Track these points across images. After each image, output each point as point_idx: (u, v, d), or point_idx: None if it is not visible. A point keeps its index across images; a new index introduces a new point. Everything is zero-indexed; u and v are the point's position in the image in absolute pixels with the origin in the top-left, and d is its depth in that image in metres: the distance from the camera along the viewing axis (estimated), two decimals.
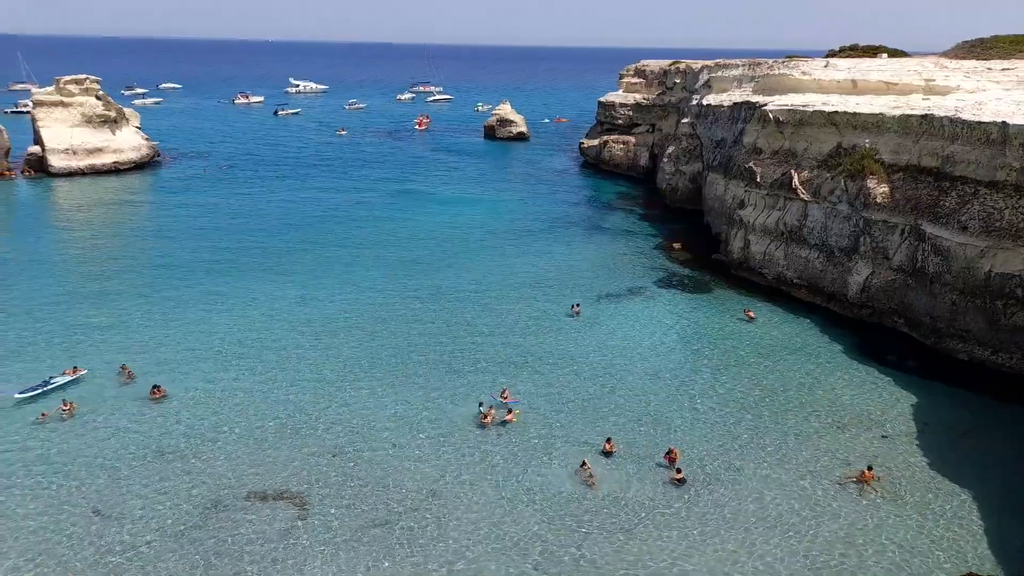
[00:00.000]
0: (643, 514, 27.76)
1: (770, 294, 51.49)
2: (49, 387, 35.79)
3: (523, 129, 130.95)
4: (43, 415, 33.18)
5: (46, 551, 25.06)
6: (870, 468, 29.91)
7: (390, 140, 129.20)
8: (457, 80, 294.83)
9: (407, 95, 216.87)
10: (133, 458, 30.63)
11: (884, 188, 44.50)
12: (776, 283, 52.09)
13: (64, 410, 33.39)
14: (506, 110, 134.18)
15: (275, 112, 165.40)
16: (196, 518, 26.89)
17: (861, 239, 45.74)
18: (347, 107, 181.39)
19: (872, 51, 75.10)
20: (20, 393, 35.01)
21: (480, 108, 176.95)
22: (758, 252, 53.39)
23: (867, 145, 46.85)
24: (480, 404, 35.07)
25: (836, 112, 49.56)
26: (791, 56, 77.42)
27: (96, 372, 38.00)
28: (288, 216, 73.31)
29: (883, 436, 33.24)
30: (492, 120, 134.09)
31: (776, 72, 60.95)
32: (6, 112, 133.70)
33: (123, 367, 38.19)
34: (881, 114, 46.83)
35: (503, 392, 36.24)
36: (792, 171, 51.17)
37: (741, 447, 32.39)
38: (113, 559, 24.69)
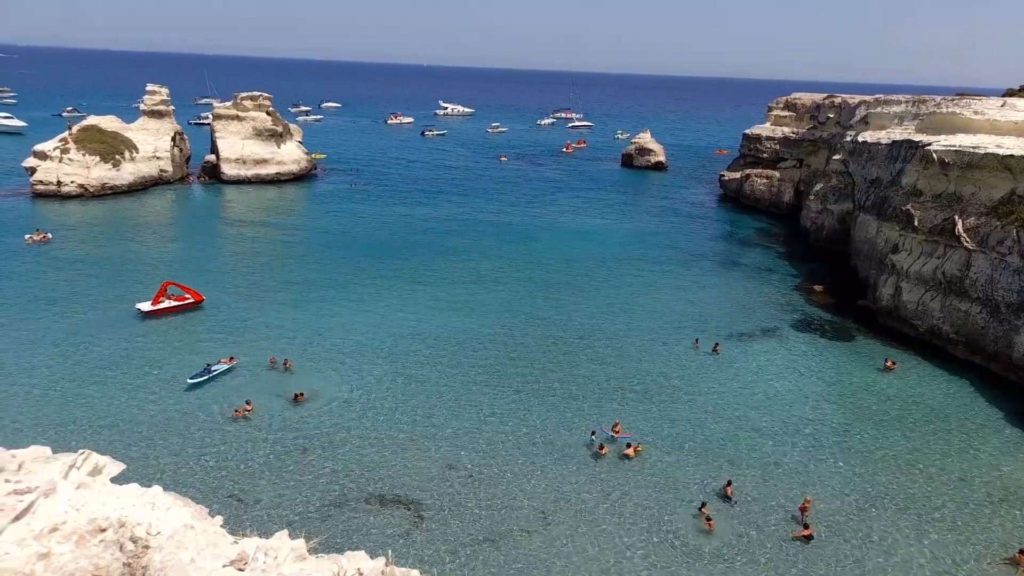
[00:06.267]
0: (758, 569, 26.36)
1: (920, 347, 47.61)
2: (212, 374, 39.27)
3: (661, 159, 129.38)
4: (236, 412, 35.52)
5: None
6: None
7: (528, 165, 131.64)
8: (597, 107, 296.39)
9: (548, 120, 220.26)
10: (271, 450, 32.92)
11: None
12: (928, 336, 48.09)
13: (248, 410, 35.88)
14: (646, 139, 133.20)
15: (422, 133, 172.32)
16: (320, 512, 28.45)
17: None
18: (489, 131, 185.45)
19: None
20: (191, 379, 38.65)
21: (619, 136, 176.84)
22: (910, 301, 49.60)
23: None
24: (592, 434, 34.86)
25: (1012, 156, 45.36)
26: (962, 93, 71.80)
27: (248, 363, 41.32)
28: (424, 233, 76.39)
29: None
30: (631, 148, 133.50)
31: (944, 110, 56.65)
32: (190, 123, 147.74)
33: (272, 359, 41.49)
34: None
35: (615, 426, 35.72)
36: (956, 217, 47.30)
37: (873, 512, 30.05)
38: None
